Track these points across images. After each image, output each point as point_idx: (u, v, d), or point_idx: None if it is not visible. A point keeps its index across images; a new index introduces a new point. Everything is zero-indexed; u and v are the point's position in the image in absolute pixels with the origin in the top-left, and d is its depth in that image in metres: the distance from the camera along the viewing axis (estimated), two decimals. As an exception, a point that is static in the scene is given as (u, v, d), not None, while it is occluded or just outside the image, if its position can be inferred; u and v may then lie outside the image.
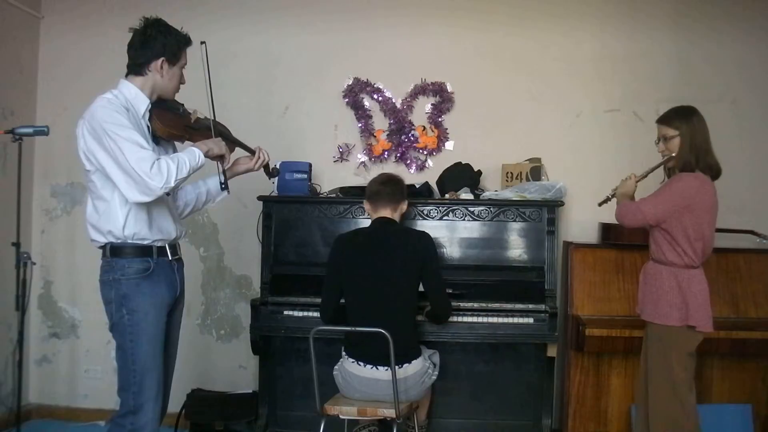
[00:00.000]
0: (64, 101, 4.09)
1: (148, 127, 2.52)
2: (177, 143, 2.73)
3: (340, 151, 4.07)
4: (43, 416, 4.15)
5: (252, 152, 2.80)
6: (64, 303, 4.20)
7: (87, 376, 4.18)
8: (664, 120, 2.92)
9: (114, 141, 2.31)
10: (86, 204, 2.52)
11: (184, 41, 2.57)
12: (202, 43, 2.58)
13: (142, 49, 2.49)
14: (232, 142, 2.76)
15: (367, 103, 4.06)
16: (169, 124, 2.53)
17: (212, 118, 2.63)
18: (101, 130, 2.33)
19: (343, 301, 3.13)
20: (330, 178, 3.99)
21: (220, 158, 2.62)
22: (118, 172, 2.34)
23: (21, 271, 3.25)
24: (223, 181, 2.65)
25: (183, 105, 2.65)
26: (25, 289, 3.27)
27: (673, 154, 2.87)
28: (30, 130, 3.10)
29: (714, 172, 2.86)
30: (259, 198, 3.69)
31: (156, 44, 2.48)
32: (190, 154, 2.44)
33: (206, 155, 2.51)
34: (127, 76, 2.53)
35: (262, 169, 2.84)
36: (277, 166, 3.11)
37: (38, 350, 4.20)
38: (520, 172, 3.78)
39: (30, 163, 4.06)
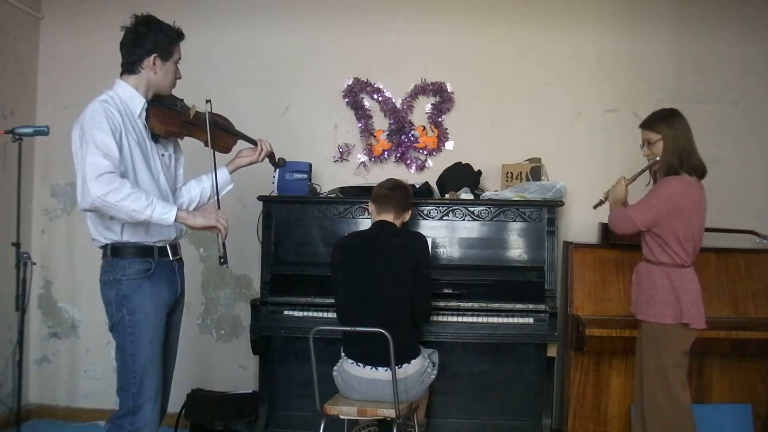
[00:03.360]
0: (64, 101, 4.09)
1: (145, 126, 2.51)
2: (180, 139, 2.70)
3: (340, 151, 4.07)
4: (43, 416, 4.15)
5: (254, 143, 2.78)
6: (64, 303, 4.20)
7: (87, 376, 4.18)
8: (647, 124, 2.96)
9: (86, 143, 2.29)
10: None
11: (176, 36, 2.54)
12: (207, 101, 2.56)
13: (134, 47, 2.47)
14: (233, 135, 2.74)
15: (367, 103, 4.06)
16: (167, 121, 2.51)
17: (209, 142, 2.57)
18: (83, 135, 2.31)
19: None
20: (330, 178, 3.99)
21: (212, 230, 2.42)
22: (78, 174, 2.30)
23: (21, 271, 3.25)
24: (222, 255, 2.41)
25: (182, 100, 2.62)
26: (25, 289, 3.27)
27: (657, 158, 2.91)
28: (30, 130, 3.10)
29: (699, 172, 2.90)
30: (259, 198, 3.69)
31: (147, 41, 2.46)
32: (164, 206, 2.32)
33: (181, 221, 2.36)
34: (121, 75, 2.52)
35: (267, 161, 2.82)
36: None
37: (38, 350, 4.20)
38: (520, 172, 3.79)
39: (30, 163, 4.06)
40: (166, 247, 2.54)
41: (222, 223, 2.41)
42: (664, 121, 2.91)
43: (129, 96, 2.48)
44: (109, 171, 2.24)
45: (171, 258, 2.56)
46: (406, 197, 3.22)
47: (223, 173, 2.73)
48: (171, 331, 2.62)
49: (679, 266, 2.86)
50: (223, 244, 2.42)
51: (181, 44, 2.58)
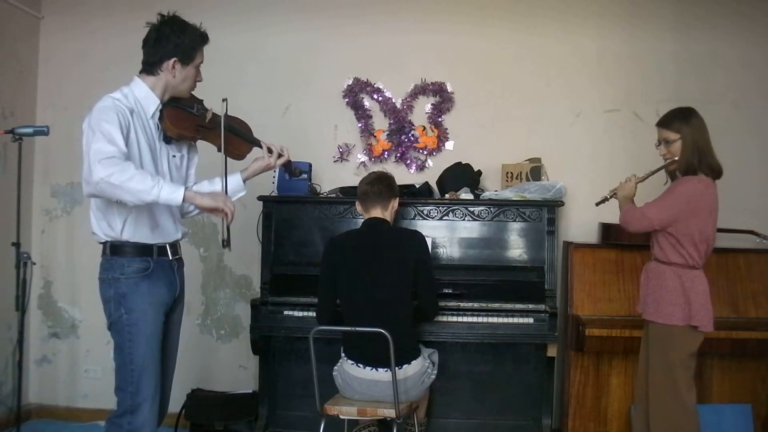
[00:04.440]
0: (64, 101, 4.10)
1: (157, 126, 2.49)
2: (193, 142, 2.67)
3: (340, 151, 4.07)
4: (43, 416, 4.15)
5: (270, 151, 2.71)
6: (64, 303, 4.20)
7: (87, 376, 4.18)
8: (665, 123, 2.90)
9: (93, 132, 2.27)
10: (91, 200, 2.48)
11: (200, 40, 2.50)
12: (223, 100, 2.49)
13: (154, 47, 2.44)
14: (250, 143, 2.70)
15: (367, 103, 4.06)
16: (179, 124, 2.48)
17: (223, 148, 2.53)
18: (91, 125, 2.30)
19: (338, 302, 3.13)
20: (330, 178, 3.99)
21: (221, 213, 2.36)
22: (84, 163, 2.28)
23: (21, 271, 3.26)
24: (225, 238, 2.37)
25: (200, 102, 2.59)
26: (25, 289, 3.27)
27: (676, 158, 2.86)
28: (30, 130, 3.10)
29: (716, 172, 2.86)
30: (259, 198, 3.69)
31: (168, 44, 2.43)
32: (171, 186, 2.27)
33: (188, 199, 2.29)
34: (140, 73, 2.49)
35: (282, 168, 2.78)
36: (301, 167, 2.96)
37: (38, 350, 4.20)
38: (520, 172, 3.78)
39: (30, 163, 4.05)
40: (165, 246, 2.52)
41: (229, 207, 2.34)
42: (683, 119, 2.85)
43: (144, 96, 2.46)
44: (111, 155, 2.21)
45: (170, 257, 2.55)
46: (388, 187, 3.19)
47: (235, 179, 2.69)
48: (171, 331, 2.62)
49: (691, 267, 2.83)
50: (228, 227, 2.37)
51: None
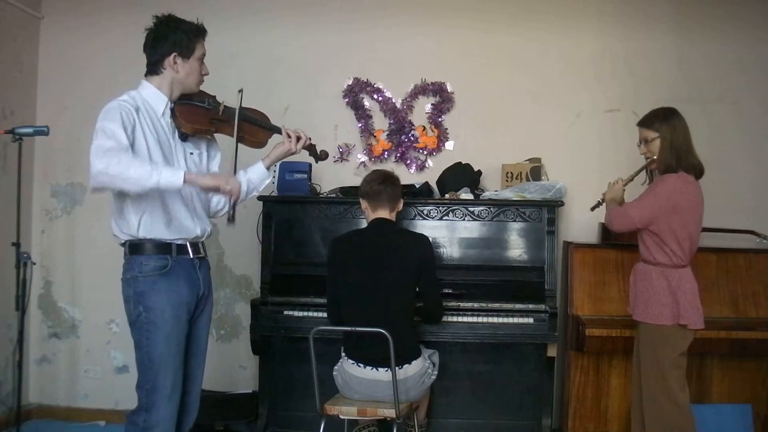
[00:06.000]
0: (64, 101, 4.10)
1: (170, 125, 2.50)
2: (209, 136, 2.67)
3: (340, 151, 4.07)
4: (43, 416, 4.14)
5: (289, 136, 2.71)
6: (64, 303, 4.19)
7: (87, 376, 4.18)
8: (644, 122, 2.95)
9: (96, 132, 2.29)
10: (111, 204, 2.49)
11: (195, 33, 2.52)
12: (239, 91, 2.55)
13: (154, 47, 2.47)
14: (268, 130, 2.70)
15: (367, 103, 4.06)
16: (192, 119, 2.49)
17: (235, 136, 2.54)
18: (95, 129, 2.32)
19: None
20: (330, 178, 3.99)
21: (226, 192, 2.41)
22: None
23: (21, 271, 3.26)
24: (230, 214, 2.47)
25: (212, 97, 2.60)
26: (25, 289, 3.27)
27: (654, 157, 2.90)
28: (30, 130, 3.11)
29: (697, 171, 2.90)
30: (259, 198, 3.69)
31: (166, 42, 2.46)
32: (172, 170, 2.29)
33: (189, 181, 2.29)
34: (146, 75, 2.51)
35: (307, 152, 2.78)
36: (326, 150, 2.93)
37: (38, 350, 4.20)
38: (520, 172, 3.79)
39: (30, 163, 4.05)
40: (185, 245, 2.52)
41: (232, 185, 2.37)
42: (662, 119, 2.90)
43: (152, 96, 2.48)
44: (110, 148, 2.23)
45: (191, 255, 2.54)
46: (398, 188, 3.21)
47: (258, 168, 2.71)
48: (200, 333, 2.62)
49: (677, 266, 2.86)
50: (234, 204, 2.48)
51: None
